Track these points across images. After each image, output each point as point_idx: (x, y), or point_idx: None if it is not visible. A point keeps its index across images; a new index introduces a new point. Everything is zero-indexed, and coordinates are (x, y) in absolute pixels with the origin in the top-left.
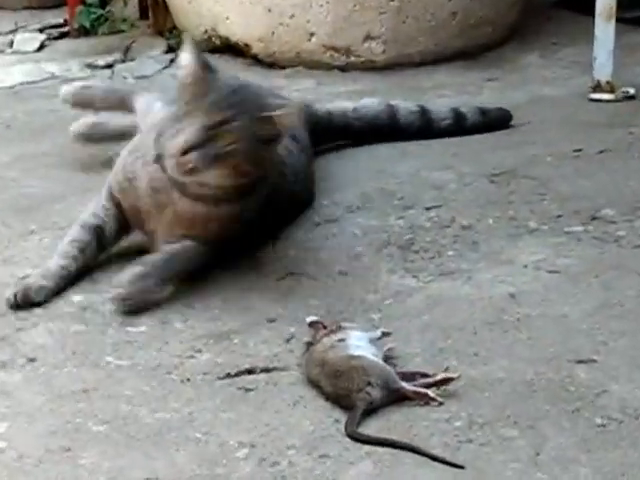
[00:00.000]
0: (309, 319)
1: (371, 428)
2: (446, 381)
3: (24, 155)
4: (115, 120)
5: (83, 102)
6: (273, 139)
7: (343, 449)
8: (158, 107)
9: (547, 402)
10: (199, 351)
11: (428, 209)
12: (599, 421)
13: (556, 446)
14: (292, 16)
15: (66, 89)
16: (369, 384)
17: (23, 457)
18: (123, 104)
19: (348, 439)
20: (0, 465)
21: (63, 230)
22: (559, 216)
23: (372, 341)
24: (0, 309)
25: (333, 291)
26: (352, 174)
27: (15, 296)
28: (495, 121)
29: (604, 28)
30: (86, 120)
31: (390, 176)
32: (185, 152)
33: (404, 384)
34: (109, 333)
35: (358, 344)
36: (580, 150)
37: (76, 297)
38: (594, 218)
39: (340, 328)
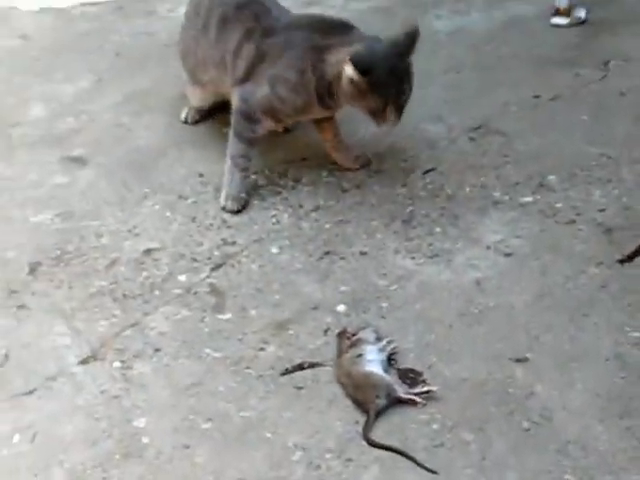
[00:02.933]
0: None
1: (379, 430)
2: (427, 392)
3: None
4: None
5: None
6: None
7: (361, 453)
8: None
9: (493, 404)
10: (267, 343)
11: (424, 173)
12: (526, 425)
13: (496, 450)
14: None
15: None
16: (377, 396)
17: (160, 454)
18: None
19: (364, 442)
20: (144, 462)
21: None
22: (517, 183)
23: (380, 349)
24: (131, 292)
25: (356, 274)
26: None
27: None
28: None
29: None
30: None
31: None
32: None
33: (400, 392)
34: (206, 321)
35: (371, 358)
36: (538, 97)
37: (181, 277)
38: (541, 185)
39: (360, 341)
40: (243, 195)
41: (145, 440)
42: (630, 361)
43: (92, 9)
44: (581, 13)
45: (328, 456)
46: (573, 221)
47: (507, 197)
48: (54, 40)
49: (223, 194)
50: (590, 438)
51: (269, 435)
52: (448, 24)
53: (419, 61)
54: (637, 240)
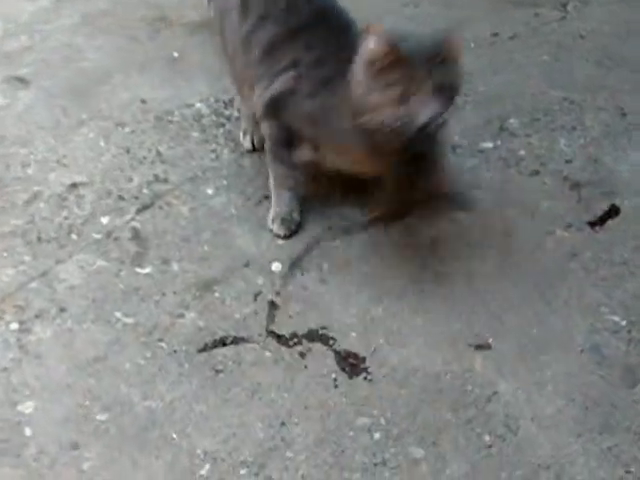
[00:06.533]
0: None
1: (309, 437)
2: None
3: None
4: None
5: None
6: None
7: (284, 469)
8: None
9: (449, 407)
10: (187, 307)
11: None
12: (487, 440)
13: (452, 474)
14: None
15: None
16: None
17: (41, 454)
18: None
19: (290, 453)
20: (21, 464)
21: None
22: (476, 127)
23: None
24: (46, 234)
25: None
26: None
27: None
28: None
29: None
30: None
31: None
32: None
33: None
34: (122, 275)
35: None
36: (497, 35)
37: (103, 219)
38: (502, 129)
39: None
40: (295, 215)
41: (28, 433)
42: (608, 353)
43: None
44: None
45: (243, 472)
46: (537, 172)
47: (466, 142)
48: None
49: (271, 214)
50: (565, 461)
51: (175, 436)
52: None
53: None
54: (608, 198)
